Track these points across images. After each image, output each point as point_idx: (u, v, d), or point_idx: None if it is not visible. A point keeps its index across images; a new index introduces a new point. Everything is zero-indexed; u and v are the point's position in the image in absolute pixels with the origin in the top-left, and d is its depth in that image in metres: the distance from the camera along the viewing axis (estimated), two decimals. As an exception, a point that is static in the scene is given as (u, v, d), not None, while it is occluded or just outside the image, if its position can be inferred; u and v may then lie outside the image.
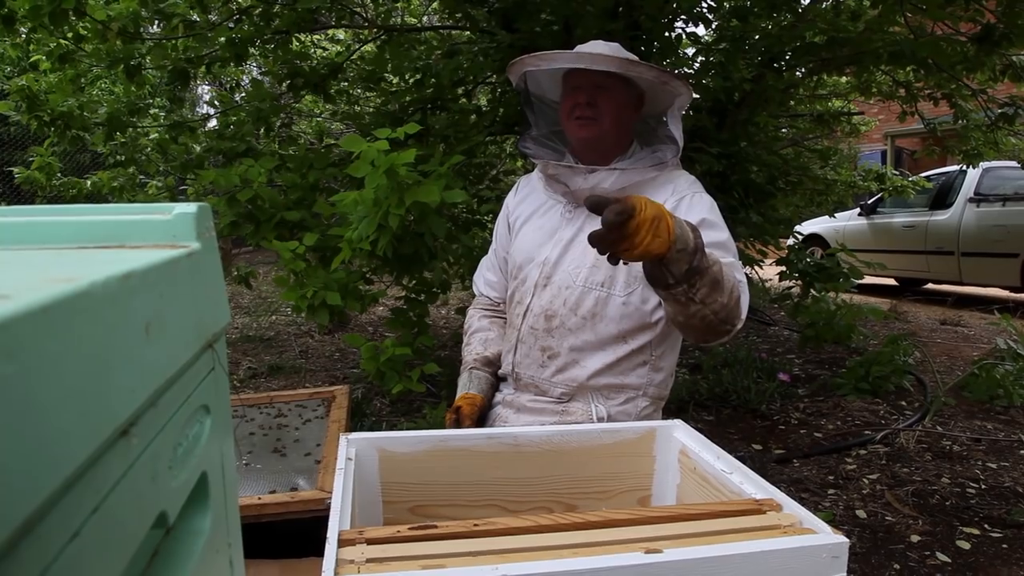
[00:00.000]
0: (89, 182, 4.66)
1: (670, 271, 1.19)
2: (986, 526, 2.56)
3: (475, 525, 0.87)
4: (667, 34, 3.83)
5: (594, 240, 1.15)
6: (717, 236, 1.51)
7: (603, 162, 1.61)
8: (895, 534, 2.52)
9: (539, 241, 1.68)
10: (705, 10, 3.81)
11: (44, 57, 3.69)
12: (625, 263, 1.34)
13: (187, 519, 0.49)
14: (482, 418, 1.68)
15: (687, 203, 1.56)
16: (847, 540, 0.82)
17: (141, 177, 4.77)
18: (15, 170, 4.68)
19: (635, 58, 1.61)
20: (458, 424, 1.56)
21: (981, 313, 6.79)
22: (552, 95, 1.76)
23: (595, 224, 1.57)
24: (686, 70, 4.13)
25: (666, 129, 1.62)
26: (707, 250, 1.26)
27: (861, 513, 2.67)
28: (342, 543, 0.83)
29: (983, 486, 2.87)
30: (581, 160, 1.65)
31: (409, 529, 0.86)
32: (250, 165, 2.78)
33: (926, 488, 2.85)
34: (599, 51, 1.59)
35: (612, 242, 1.13)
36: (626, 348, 1.57)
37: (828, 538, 0.83)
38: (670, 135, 1.61)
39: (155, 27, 3.85)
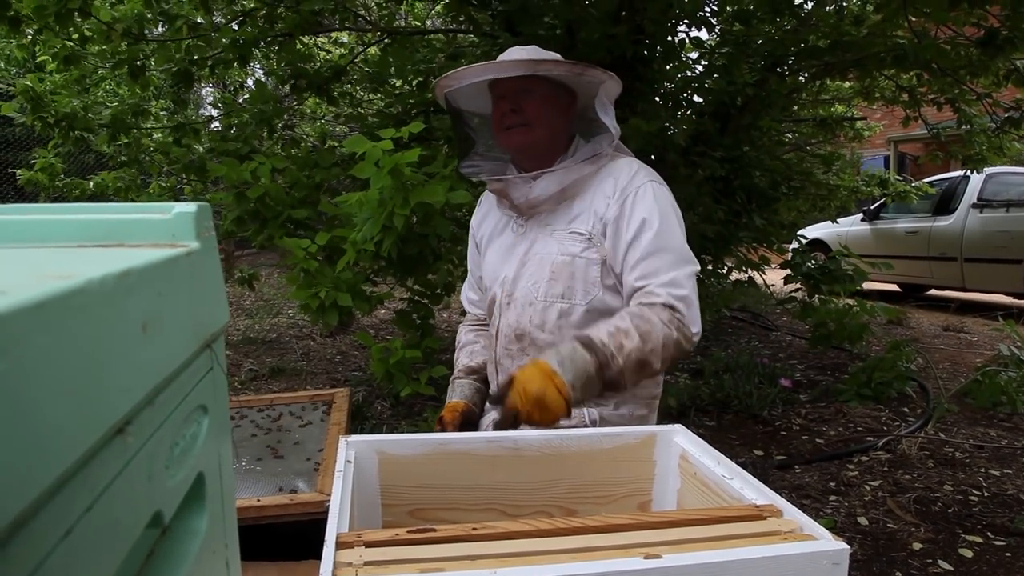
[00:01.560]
0: (92, 183, 4.66)
1: (585, 400, 1.35)
2: (989, 534, 2.54)
3: (474, 529, 0.87)
4: (670, 38, 3.83)
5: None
6: (657, 241, 1.50)
7: (545, 166, 1.60)
8: (897, 541, 2.51)
9: (500, 260, 1.68)
10: (708, 14, 3.81)
11: (50, 58, 3.70)
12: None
13: (183, 519, 0.49)
14: (473, 423, 1.68)
15: (631, 203, 1.53)
16: (848, 547, 0.81)
17: (143, 177, 4.78)
18: (18, 172, 4.68)
19: (552, 56, 1.60)
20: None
21: (984, 319, 6.77)
22: (484, 109, 1.73)
23: (547, 237, 1.59)
24: (688, 74, 4.13)
25: (598, 119, 1.60)
26: (615, 329, 1.36)
27: (863, 520, 2.66)
28: (340, 545, 0.82)
29: (986, 494, 2.86)
30: (523, 168, 1.64)
31: (408, 532, 0.85)
32: (261, 162, 2.78)
33: (928, 495, 2.84)
34: (511, 57, 1.58)
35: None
36: None
37: (829, 544, 0.82)
38: (603, 125, 1.59)
39: (159, 29, 3.86)
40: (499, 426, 1.25)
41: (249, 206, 2.79)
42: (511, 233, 1.68)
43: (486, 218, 1.79)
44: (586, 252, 1.55)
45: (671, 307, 1.44)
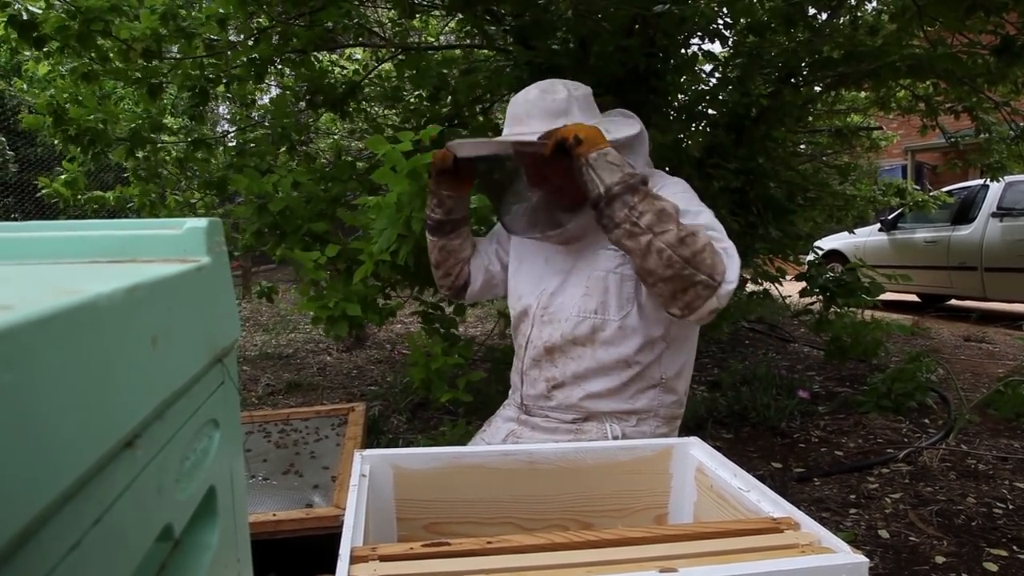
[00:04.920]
0: (112, 196, 4.71)
1: (598, 175, 1.34)
2: (1015, 548, 2.50)
3: (489, 543, 0.87)
4: (683, 51, 3.84)
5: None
6: (694, 220, 1.44)
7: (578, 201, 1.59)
8: (919, 555, 2.47)
9: (539, 274, 1.68)
10: (721, 26, 3.81)
11: (62, 73, 3.76)
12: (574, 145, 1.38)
13: (194, 533, 0.49)
14: (496, 433, 1.69)
15: (658, 190, 1.52)
16: (867, 560, 0.80)
17: (161, 192, 4.83)
18: (40, 181, 4.74)
19: (536, 130, 1.53)
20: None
21: (1006, 329, 6.68)
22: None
23: (591, 255, 1.58)
24: (702, 86, 4.13)
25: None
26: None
27: (884, 533, 2.62)
28: (355, 560, 0.82)
29: (1010, 506, 2.81)
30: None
31: (422, 546, 0.85)
32: (282, 175, 2.80)
33: (951, 508, 2.80)
34: (513, 129, 1.58)
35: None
36: (630, 372, 1.55)
37: (847, 558, 0.81)
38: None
39: (176, 48, 3.91)
40: (541, 137, 1.44)
41: (270, 219, 2.80)
42: (552, 250, 1.68)
43: None
44: (620, 268, 1.55)
45: (711, 240, 1.37)
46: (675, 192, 1.55)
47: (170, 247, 0.50)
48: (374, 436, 3.57)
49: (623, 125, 1.60)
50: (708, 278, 1.31)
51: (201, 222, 0.52)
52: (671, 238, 1.30)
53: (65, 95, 3.84)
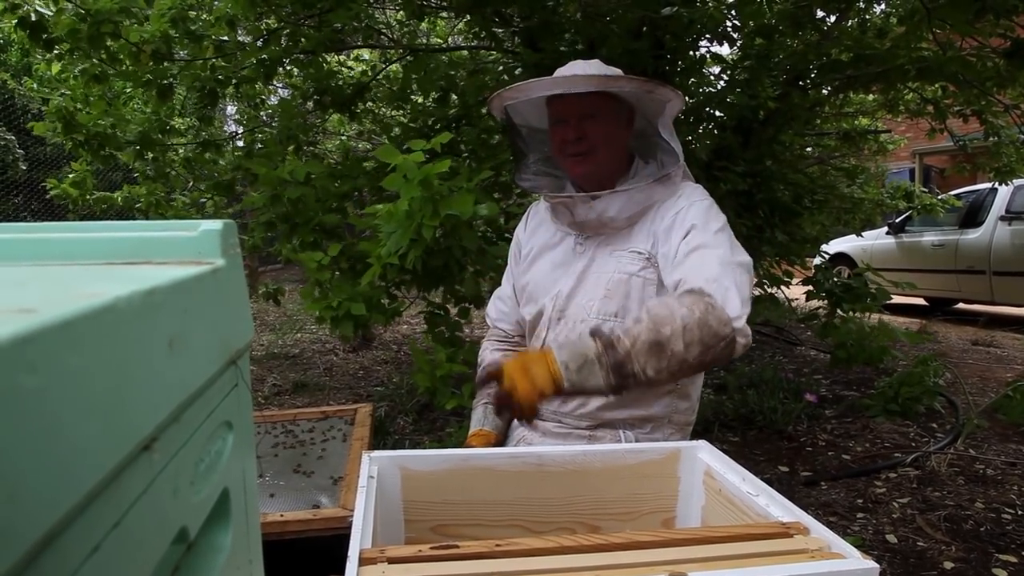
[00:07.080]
0: (120, 197, 4.74)
1: (590, 389, 1.25)
2: None
3: (497, 545, 0.86)
4: (691, 53, 3.83)
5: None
6: (699, 238, 1.44)
7: (606, 187, 1.56)
8: (927, 560, 2.46)
9: (553, 275, 1.64)
10: (729, 29, 3.80)
11: (75, 74, 3.78)
12: (530, 419, 1.31)
13: (208, 535, 0.49)
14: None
15: (681, 218, 1.50)
16: (877, 566, 0.80)
17: (167, 191, 4.85)
18: (49, 183, 4.76)
19: (616, 72, 1.56)
20: None
21: (1015, 334, 6.65)
22: (539, 123, 1.70)
23: (606, 256, 1.56)
24: (710, 89, 4.12)
25: (662, 140, 1.57)
26: (630, 322, 1.31)
27: (891, 538, 2.61)
28: (363, 561, 0.82)
29: (1020, 512, 2.79)
30: (582, 189, 1.61)
31: (431, 548, 0.85)
32: (296, 165, 2.80)
33: (959, 513, 2.78)
34: (577, 72, 1.54)
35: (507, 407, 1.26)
36: None
37: (857, 563, 0.80)
38: (666, 146, 1.56)
39: (184, 50, 3.93)
40: (496, 399, 1.29)
41: (282, 209, 2.80)
42: (569, 249, 1.64)
43: (536, 231, 1.75)
44: (643, 271, 1.52)
45: (700, 291, 1.33)
46: (694, 201, 1.54)
47: (185, 249, 0.51)
48: (380, 437, 3.58)
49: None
50: (723, 340, 1.30)
51: (216, 224, 0.52)
52: (677, 360, 1.25)
53: (73, 96, 3.86)
